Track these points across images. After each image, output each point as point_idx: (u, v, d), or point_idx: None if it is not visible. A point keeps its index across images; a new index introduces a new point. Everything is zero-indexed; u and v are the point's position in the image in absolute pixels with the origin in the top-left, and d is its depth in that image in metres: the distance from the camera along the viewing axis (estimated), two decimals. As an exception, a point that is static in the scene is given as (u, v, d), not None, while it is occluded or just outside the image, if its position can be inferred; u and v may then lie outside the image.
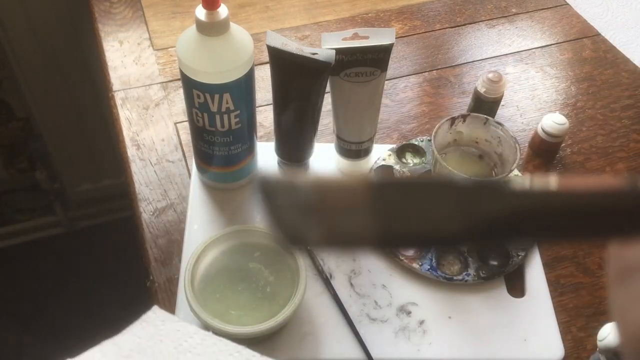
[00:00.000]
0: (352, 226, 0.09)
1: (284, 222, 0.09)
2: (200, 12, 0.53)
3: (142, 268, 0.63)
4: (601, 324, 0.54)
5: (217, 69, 0.54)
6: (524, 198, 0.10)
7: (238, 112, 0.58)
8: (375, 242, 0.09)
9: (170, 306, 0.58)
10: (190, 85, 0.56)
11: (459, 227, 0.09)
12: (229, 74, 0.55)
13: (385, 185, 0.09)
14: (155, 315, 0.47)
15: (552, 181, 0.10)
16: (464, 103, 0.80)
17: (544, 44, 0.90)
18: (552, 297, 0.60)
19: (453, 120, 0.62)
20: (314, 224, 0.09)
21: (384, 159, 0.69)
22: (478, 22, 0.92)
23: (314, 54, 0.56)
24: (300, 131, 0.63)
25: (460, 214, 0.09)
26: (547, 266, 0.63)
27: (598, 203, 0.11)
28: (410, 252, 0.62)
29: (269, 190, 0.09)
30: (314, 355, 0.55)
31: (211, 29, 0.53)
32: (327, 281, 0.59)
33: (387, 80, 0.81)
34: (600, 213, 0.11)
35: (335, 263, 0.61)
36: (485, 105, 0.70)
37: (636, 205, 0.11)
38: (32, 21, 1.15)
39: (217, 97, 0.56)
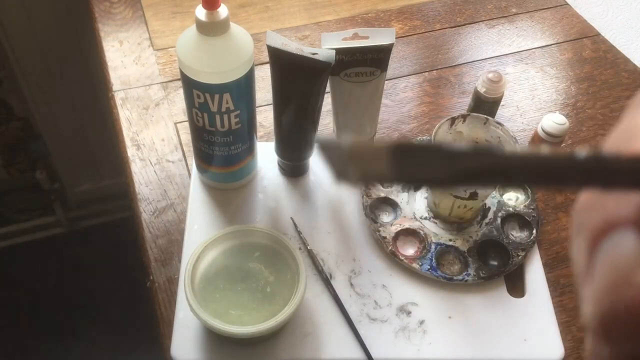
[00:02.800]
0: (375, 169, 0.15)
1: (334, 167, 0.15)
2: (200, 12, 0.53)
3: (142, 268, 0.63)
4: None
5: (217, 69, 0.54)
6: (507, 157, 0.15)
7: (238, 112, 0.58)
8: (389, 180, 0.15)
9: (170, 306, 0.58)
10: (190, 85, 0.56)
11: (447, 174, 0.14)
12: (229, 74, 0.55)
13: (399, 145, 0.14)
14: None
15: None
16: (464, 103, 0.80)
17: (544, 44, 0.90)
18: (552, 297, 0.60)
19: (453, 120, 0.62)
20: (352, 168, 0.15)
21: (384, 159, 0.69)
22: (478, 22, 0.92)
23: (314, 54, 0.56)
24: (300, 131, 0.63)
25: (448, 166, 0.14)
26: (547, 266, 0.63)
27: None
28: (411, 252, 0.62)
29: (325, 147, 0.15)
30: (314, 355, 0.55)
31: (211, 29, 0.53)
32: (327, 281, 0.59)
33: (387, 80, 0.81)
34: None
35: (335, 263, 0.61)
36: (485, 105, 0.70)
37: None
38: (32, 21, 1.15)
39: (217, 97, 0.56)
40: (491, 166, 0.15)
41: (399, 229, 0.63)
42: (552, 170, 0.15)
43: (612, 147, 0.16)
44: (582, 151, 0.14)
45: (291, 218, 0.64)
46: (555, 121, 0.71)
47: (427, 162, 0.14)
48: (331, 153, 0.15)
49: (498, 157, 0.15)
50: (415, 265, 0.60)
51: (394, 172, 0.14)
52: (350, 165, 0.15)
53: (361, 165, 0.15)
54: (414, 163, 0.14)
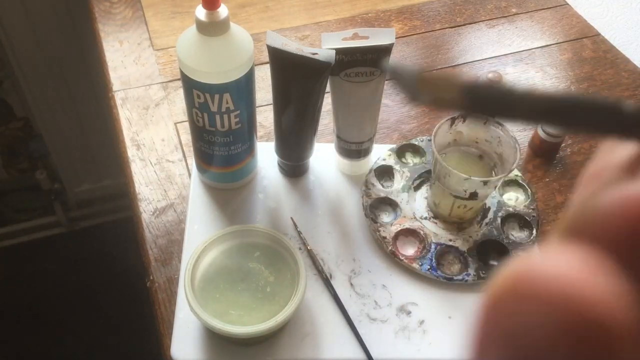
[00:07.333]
0: (446, 97, 0.15)
1: (406, 90, 0.16)
2: (200, 12, 0.53)
3: (142, 268, 0.63)
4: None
5: (217, 69, 0.54)
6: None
7: (238, 112, 0.58)
8: (457, 108, 0.16)
9: (170, 306, 0.58)
10: (190, 85, 0.56)
11: (513, 112, 0.15)
12: (229, 74, 0.55)
13: (469, 83, 0.15)
14: None
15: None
16: (464, 103, 0.80)
17: (544, 44, 0.90)
18: (552, 297, 0.60)
19: (453, 120, 0.62)
20: (423, 93, 0.16)
21: (384, 159, 0.69)
22: (478, 22, 0.92)
23: (314, 54, 0.56)
24: (300, 131, 0.63)
25: (515, 105, 0.15)
26: (547, 266, 0.63)
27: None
28: (411, 252, 0.62)
29: (396, 72, 0.16)
30: (314, 355, 0.55)
31: (211, 29, 0.53)
32: (327, 281, 0.59)
33: (387, 80, 0.81)
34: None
35: (335, 263, 0.61)
36: (485, 105, 0.70)
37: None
38: (32, 21, 1.15)
39: (217, 97, 0.56)
40: (550, 108, 0.16)
41: (399, 229, 0.63)
42: (596, 116, 0.16)
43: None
44: (630, 104, 0.15)
45: (291, 218, 0.64)
46: (555, 121, 0.71)
47: (496, 100, 0.16)
48: (402, 78, 0.16)
49: (558, 101, 0.16)
50: (415, 265, 0.60)
51: (464, 102, 0.16)
52: (421, 90, 0.16)
53: (432, 93, 0.16)
54: (484, 99, 0.16)
